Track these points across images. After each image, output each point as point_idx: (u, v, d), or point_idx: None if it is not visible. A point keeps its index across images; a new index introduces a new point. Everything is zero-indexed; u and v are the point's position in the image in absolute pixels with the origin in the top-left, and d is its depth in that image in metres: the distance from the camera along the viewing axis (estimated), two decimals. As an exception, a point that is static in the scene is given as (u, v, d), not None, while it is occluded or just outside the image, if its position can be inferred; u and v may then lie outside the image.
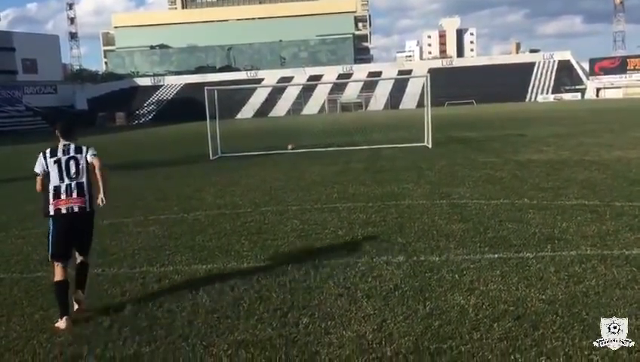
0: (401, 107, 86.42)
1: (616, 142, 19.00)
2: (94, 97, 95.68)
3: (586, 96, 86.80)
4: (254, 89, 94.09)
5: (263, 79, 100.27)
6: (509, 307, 4.98)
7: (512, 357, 4.05)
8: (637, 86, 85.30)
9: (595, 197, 9.66)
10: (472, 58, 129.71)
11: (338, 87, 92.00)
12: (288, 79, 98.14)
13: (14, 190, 15.16)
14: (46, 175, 5.59)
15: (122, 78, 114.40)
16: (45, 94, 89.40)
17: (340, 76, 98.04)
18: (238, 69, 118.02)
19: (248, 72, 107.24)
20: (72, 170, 5.46)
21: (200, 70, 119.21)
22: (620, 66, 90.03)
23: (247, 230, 8.60)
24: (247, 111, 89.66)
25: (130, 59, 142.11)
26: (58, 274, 5.27)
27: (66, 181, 5.40)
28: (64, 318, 5.05)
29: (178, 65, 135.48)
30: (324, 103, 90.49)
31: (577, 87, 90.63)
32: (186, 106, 79.85)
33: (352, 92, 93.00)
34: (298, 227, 8.61)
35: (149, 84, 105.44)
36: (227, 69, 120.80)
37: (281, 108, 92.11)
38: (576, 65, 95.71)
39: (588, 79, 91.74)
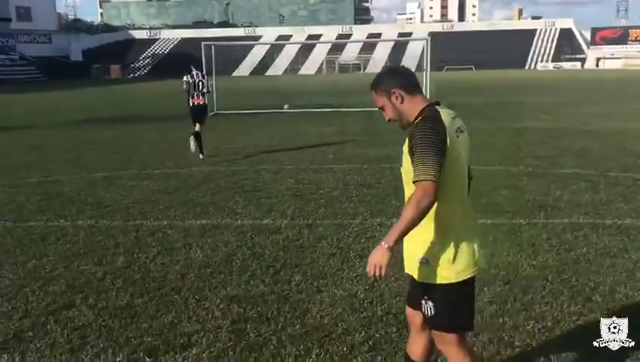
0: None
1: (614, 113, 18.95)
2: (89, 48, 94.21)
3: (586, 66, 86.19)
4: (252, 46, 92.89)
5: (261, 36, 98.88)
6: (499, 271, 5.02)
7: (501, 320, 4.10)
8: (637, 57, 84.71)
9: (590, 167, 9.67)
10: (473, 23, 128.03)
11: (337, 48, 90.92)
12: (287, 37, 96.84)
13: (7, 140, 15.04)
14: (190, 85, 11.65)
15: (118, 30, 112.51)
16: (40, 43, 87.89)
17: (340, 36, 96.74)
18: (235, 25, 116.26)
19: (246, 29, 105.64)
20: (200, 85, 11.67)
21: (197, 25, 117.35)
22: (622, 37, 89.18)
23: (242, 187, 8.59)
24: (244, 69, 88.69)
25: (126, 11, 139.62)
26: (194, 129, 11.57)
27: (197, 91, 11.68)
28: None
29: (175, 19, 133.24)
30: (322, 63, 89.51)
31: (577, 56, 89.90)
32: (182, 61, 78.93)
33: (350, 53, 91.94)
34: (293, 186, 8.61)
35: (145, 37, 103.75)
36: (225, 24, 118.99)
37: (279, 67, 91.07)
38: (577, 34, 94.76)
39: (589, 48, 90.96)
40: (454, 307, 2.67)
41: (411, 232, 2.51)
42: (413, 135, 2.53)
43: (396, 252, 2.52)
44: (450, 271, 2.61)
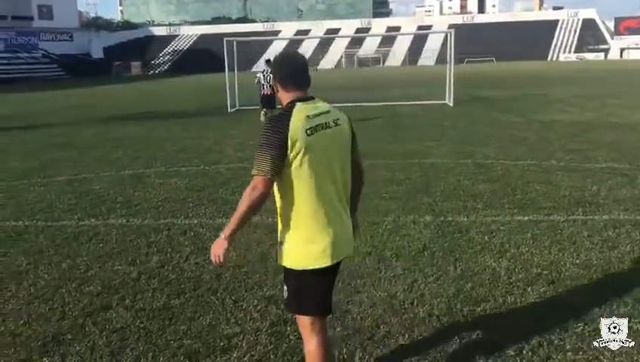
0: (419, 63, 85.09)
1: (642, 105, 18.56)
2: (110, 46, 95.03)
3: (610, 57, 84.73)
4: (271, 41, 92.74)
5: (279, 31, 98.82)
6: (542, 271, 4.88)
7: (549, 322, 3.97)
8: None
9: (625, 161, 9.44)
10: (493, 14, 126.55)
11: (356, 42, 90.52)
12: (305, 32, 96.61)
13: (33, 137, 15.15)
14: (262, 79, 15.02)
15: (138, 27, 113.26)
16: (61, 41, 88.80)
17: (358, 30, 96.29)
18: (254, 21, 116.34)
19: (265, 24, 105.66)
20: (269, 78, 13.76)
21: (216, 21, 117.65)
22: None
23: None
24: (263, 64, 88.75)
25: (146, 8, 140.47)
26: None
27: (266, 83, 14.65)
28: None
29: (194, 15, 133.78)
30: (341, 58, 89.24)
31: (601, 46, 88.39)
32: (202, 57, 79.24)
33: (369, 47, 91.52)
34: (321, 183, 8.50)
35: (165, 33, 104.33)
36: (244, 20, 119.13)
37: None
38: (600, 24, 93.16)
39: (612, 39, 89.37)
40: (302, 291, 2.85)
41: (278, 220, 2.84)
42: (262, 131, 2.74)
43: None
44: (300, 258, 2.79)
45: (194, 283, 4.88)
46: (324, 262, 2.78)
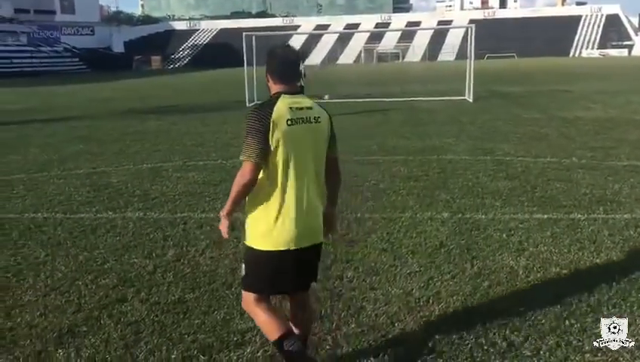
0: (439, 59, 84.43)
1: (667, 102, 18.20)
2: (130, 40, 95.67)
3: (634, 53, 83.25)
4: (290, 36, 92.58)
5: (299, 26, 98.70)
6: (561, 270, 4.80)
7: (567, 323, 3.90)
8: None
9: (648, 159, 9.26)
10: (515, 9, 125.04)
11: (375, 37, 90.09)
12: (325, 27, 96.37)
13: (54, 131, 15.31)
14: None
15: (158, 21, 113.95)
16: (83, 35, 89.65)
17: (378, 25, 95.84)
18: (274, 15, 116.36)
19: (284, 19, 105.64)
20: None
21: (235, 15, 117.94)
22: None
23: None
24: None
25: (166, 2, 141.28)
26: None
27: None
28: None
29: (214, 10, 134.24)
30: (360, 53, 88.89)
31: (625, 42, 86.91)
32: (222, 52, 79.42)
33: (389, 42, 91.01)
34: (338, 178, 8.45)
35: (185, 28, 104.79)
36: (263, 14, 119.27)
37: (316, 56, 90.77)
38: (624, 20, 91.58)
39: (637, 35, 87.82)
40: (255, 270, 3.04)
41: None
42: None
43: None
44: (258, 238, 2.97)
45: (209, 277, 4.88)
46: (283, 246, 2.94)
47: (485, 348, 3.64)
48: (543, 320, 3.94)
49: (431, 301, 4.31)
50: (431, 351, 3.63)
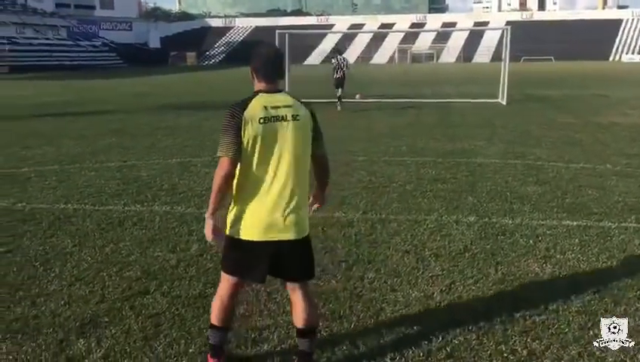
0: (474, 60, 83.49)
1: None
2: (167, 36, 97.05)
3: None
4: (324, 35, 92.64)
5: (333, 25, 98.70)
6: (588, 279, 4.69)
7: (592, 333, 3.80)
8: None
9: (686, 168, 8.99)
10: (554, 12, 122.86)
11: (410, 37, 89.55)
12: (359, 26, 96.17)
13: (89, 123, 15.60)
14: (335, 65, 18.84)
15: (194, 18, 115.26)
16: (121, 30, 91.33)
17: (413, 25, 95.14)
18: (309, 14, 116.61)
19: (319, 17, 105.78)
20: (342, 65, 19.12)
21: (271, 13, 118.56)
22: None
23: (313, 178, 8.47)
24: (316, 57, 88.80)
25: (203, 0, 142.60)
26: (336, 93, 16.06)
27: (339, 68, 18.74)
28: None
29: (250, 7, 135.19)
30: (394, 53, 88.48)
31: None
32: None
33: (424, 42, 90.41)
34: (365, 178, 8.44)
35: (220, 25, 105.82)
36: (298, 12, 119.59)
37: (350, 56, 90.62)
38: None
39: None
40: (226, 253, 3.28)
41: None
42: None
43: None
44: (232, 226, 3.14)
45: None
46: (251, 237, 3.09)
47: (505, 355, 3.58)
48: (567, 330, 3.86)
49: (452, 305, 4.26)
50: (449, 355, 3.58)
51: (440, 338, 3.77)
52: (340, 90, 19.09)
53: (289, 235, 3.11)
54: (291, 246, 3.15)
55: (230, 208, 3.18)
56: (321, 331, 3.88)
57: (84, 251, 5.46)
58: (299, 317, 3.32)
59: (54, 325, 3.98)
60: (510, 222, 6.27)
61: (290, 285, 3.34)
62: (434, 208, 6.84)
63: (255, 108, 3.01)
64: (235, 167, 3.03)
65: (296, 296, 3.32)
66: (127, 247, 5.56)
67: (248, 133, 2.98)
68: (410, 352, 3.62)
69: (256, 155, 3.01)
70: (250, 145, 3.00)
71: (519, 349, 3.64)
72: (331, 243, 5.61)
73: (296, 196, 3.11)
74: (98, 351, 3.65)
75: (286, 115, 3.05)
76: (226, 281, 3.31)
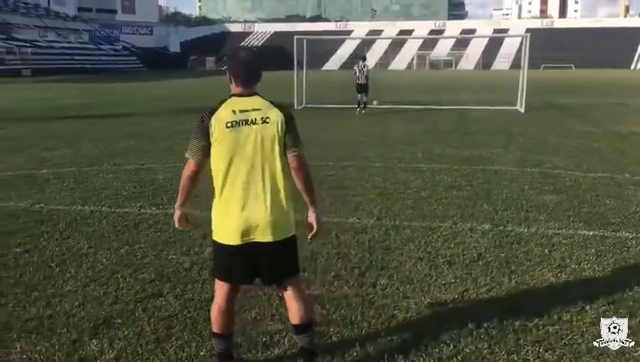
0: (493, 67, 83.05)
1: None
2: (187, 40, 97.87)
3: (700, 67, 79.90)
4: (342, 40, 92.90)
5: (352, 31, 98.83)
6: (603, 289, 4.63)
7: (604, 346, 3.75)
8: None
9: None
10: (574, 19, 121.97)
11: (429, 43, 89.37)
12: (378, 32, 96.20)
13: (107, 126, 15.78)
14: (356, 70, 19.84)
15: (214, 23, 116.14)
16: (142, 35, 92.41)
17: (432, 32, 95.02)
18: (327, 20, 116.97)
19: (338, 23, 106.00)
20: (364, 71, 19.81)
21: (290, 19, 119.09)
22: None
23: (328, 184, 8.50)
24: (334, 63, 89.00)
25: (223, 4, 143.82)
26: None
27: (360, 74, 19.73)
28: None
29: (269, 13, 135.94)
30: (412, 59, 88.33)
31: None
32: (274, 54, 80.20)
33: (442, 49, 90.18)
34: (380, 185, 8.43)
35: (240, 30, 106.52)
36: (317, 18, 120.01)
37: (368, 61, 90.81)
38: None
39: None
40: (216, 259, 3.33)
41: None
42: None
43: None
44: (216, 231, 3.21)
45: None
46: (230, 241, 3.13)
47: (517, 365, 3.55)
48: (580, 340, 3.81)
49: (464, 313, 4.23)
50: (460, 364, 3.56)
51: (451, 347, 3.75)
52: (363, 95, 19.72)
53: (263, 238, 3.12)
54: (268, 249, 3.15)
55: (212, 212, 3.25)
56: (332, 337, 3.89)
57: (100, 252, 5.52)
58: (293, 314, 3.34)
59: (68, 325, 4.02)
60: (525, 230, 6.22)
61: (285, 282, 3.34)
62: (448, 215, 6.81)
63: (223, 113, 3.08)
64: (199, 168, 3.18)
65: (287, 294, 3.34)
66: (142, 249, 5.61)
67: (215, 136, 3.05)
68: (421, 359, 3.60)
69: (224, 159, 3.07)
70: (217, 148, 3.07)
71: (531, 359, 3.61)
72: (345, 249, 5.61)
73: (268, 199, 3.11)
74: (110, 352, 3.69)
75: (255, 118, 3.07)
76: (219, 288, 3.32)
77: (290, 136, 3.14)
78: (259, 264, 3.20)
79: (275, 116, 3.11)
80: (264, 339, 3.85)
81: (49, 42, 71.47)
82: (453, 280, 4.85)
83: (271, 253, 3.17)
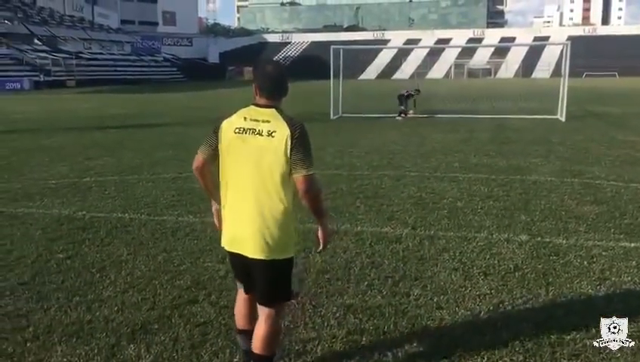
0: (533, 76, 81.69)
1: None
2: (225, 51, 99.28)
3: None
4: (379, 50, 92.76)
5: (389, 40, 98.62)
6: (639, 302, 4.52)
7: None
8: None
9: None
10: (618, 27, 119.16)
11: (467, 52, 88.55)
12: (415, 41, 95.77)
13: (147, 136, 16.13)
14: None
15: (252, 33, 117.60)
16: (182, 46, 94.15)
17: (470, 40, 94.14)
18: (365, 29, 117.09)
19: (375, 33, 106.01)
20: None
21: (327, 29, 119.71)
22: None
23: (363, 193, 8.51)
24: (371, 72, 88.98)
25: (261, 15, 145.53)
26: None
27: None
28: None
29: (306, 23, 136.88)
30: (450, 68, 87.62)
31: None
32: (312, 64, 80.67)
33: (481, 57, 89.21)
34: (415, 194, 8.39)
35: (278, 40, 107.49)
36: (354, 28, 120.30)
37: (406, 71, 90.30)
38: None
39: None
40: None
41: None
42: None
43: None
44: (222, 232, 3.31)
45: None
46: (224, 244, 3.27)
47: (552, 378, 3.49)
48: (619, 355, 3.73)
49: (499, 325, 4.18)
50: (494, 377, 3.52)
51: (485, 359, 3.71)
52: (404, 106, 21.15)
53: (250, 252, 3.10)
54: (255, 265, 3.13)
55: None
56: (364, 346, 3.89)
57: (138, 259, 5.66)
58: (254, 340, 3.25)
59: (107, 330, 4.13)
60: (564, 242, 6.11)
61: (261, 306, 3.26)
62: (485, 225, 6.74)
63: (235, 118, 3.13)
64: (203, 163, 3.25)
65: (259, 317, 3.26)
66: (179, 257, 5.72)
67: (222, 141, 3.12)
68: (454, 371, 3.57)
69: (228, 163, 3.12)
70: (224, 152, 3.12)
71: (568, 373, 3.54)
72: (378, 259, 5.61)
73: (261, 214, 3.03)
74: (147, 356, 3.77)
75: (262, 130, 3.01)
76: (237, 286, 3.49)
77: (297, 155, 2.96)
78: (244, 272, 3.26)
79: (283, 132, 2.96)
80: (297, 347, 3.88)
81: (93, 54, 73.48)
82: (488, 292, 4.80)
83: (256, 270, 3.15)
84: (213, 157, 3.19)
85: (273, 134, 2.98)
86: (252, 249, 3.08)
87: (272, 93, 3.09)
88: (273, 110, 3.06)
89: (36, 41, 66.38)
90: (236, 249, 3.17)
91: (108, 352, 3.83)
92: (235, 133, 3.08)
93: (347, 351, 3.82)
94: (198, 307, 4.54)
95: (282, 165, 2.98)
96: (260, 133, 3.01)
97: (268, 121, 3.02)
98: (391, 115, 21.07)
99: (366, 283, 5.01)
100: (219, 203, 3.31)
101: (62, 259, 5.68)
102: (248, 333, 3.37)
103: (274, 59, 3.56)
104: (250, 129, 3.04)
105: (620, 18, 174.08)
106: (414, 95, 21.68)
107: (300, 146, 2.97)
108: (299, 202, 3.12)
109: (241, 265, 3.23)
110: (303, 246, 6.01)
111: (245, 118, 3.08)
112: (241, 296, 3.44)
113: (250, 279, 3.25)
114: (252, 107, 3.12)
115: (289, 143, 2.96)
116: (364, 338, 3.99)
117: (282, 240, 3.08)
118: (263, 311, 3.23)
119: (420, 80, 20.58)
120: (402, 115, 20.83)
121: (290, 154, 2.96)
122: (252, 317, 3.38)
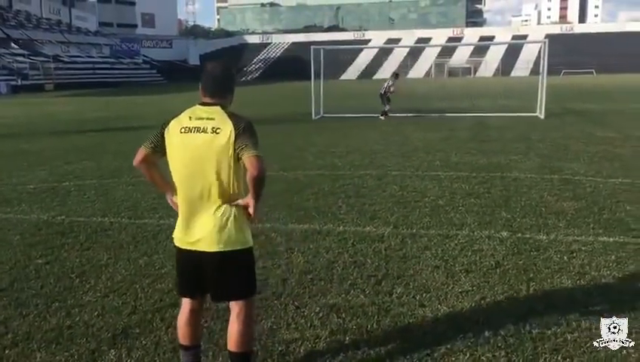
0: (512, 74, 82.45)
1: None
2: (206, 53, 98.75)
3: None
4: (360, 50, 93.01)
5: (369, 40, 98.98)
6: (623, 297, 4.57)
7: (625, 352, 3.70)
8: None
9: None
10: (595, 24, 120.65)
11: (447, 51, 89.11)
12: (396, 41, 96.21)
13: (128, 139, 15.97)
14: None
15: (232, 35, 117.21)
16: (161, 48, 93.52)
17: (450, 39, 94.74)
18: (345, 30, 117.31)
19: (355, 33, 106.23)
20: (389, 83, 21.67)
21: (307, 29, 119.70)
22: None
23: (345, 192, 8.52)
24: (352, 73, 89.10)
25: (242, 17, 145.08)
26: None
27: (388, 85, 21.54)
28: None
29: (286, 24, 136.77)
30: (430, 67, 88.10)
31: None
32: (292, 65, 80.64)
33: (461, 56, 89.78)
34: (397, 193, 8.42)
35: (258, 41, 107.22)
36: (334, 28, 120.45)
37: (386, 70, 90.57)
38: None
39: None
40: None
41: None
42: None
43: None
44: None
45: (259, 286, 4.87)
46: (177, 243, 3.25)
47: (534, 373, 3.51)
48: (599, 348, 3.76)
49: (481, 321, 4.20)
50: (476, 373, 3.53)
51: (468, 355, 3.73)
52: (386, 105, 21.22)
53: (206, 247, 3.11)
54: (212, 259, 3.12)
55: None
56: (348, 346, 3.89)
57: (119, 263, 5.60)
58: (230, 339, 3.28)
59: (87, 335, 4.08)
60: (544, 237, 6.16)
61: (231, 303, 3.28)
62: (466, 223, 6.78)
63: (181, 118, 3.15)
64: (144, 156, 3.26)
65: (231, 315, 3.28)
66: (161, 260, 5.67)
67: (167, 140, 3.15)
68: (437, 368, 3.58)
69: (176, 162, 3.14)
70: (170, 151, 3.14)
71: (549, 367, 3.57)
72: (361, 258, 5.61)
73: (213, 209, 3.09)
74: (129, 361, 3.73)
75: (206, 127, 3.05)
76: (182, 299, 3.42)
77: (244, 141, 3.00)
78: (205, 276, 3.19)
79: (227, 127, 3.02)
80: (280, 348, 3.87)
81: (71, 57, 72.64)
82: (470, 288, 4.82)
83: (216, 265, 3.13)
84: (155, 154, 3.24)
85: (218, 130, 3.03)
86: (214, 243, 3.09)
87: (214, 91, 3.16)
88: (218, 108, 3.12)
89: (13, 44, 65.43)
90: (193, 246, 3.14)
91: (88, 358, 3.78)
92: (181, 132, 3.10)
93: (330, 351, 3.82)
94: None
95: (229, 158, 3.03)
96: (204, 131, 3.05)
97: (212, 119, 3.07)
98: (373, 115, 21.10)
99: (349, 282, 5.01)
100: (172, 192, 3.33)
101: (41, 264, 5.60)
102: (193, 349, 3.41)
103: (223, 60, 3.56)
104: (195, 127, 3.07)
105: (596, 16, 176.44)
106: (392, 82, 21.47)
107: (245, 134, 3.03)
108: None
109: (193, 266, 3.20)
110: (286, 246, 6.01)
111: (190, 118, 3.11)
112: (186, 310, 3.36)
113: (203, 281, 3.21)
114: (197, 106, 3.16)
115: (233, 136, 3.01)
116: (347, 338, 3.99)
117: (239, 232, 3.14)
118: (232, 309, 3.26)
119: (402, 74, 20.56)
120: (384, 114, 20.84)
121: (236, 143, 3.00)
122: (198, 333, 3.44)
